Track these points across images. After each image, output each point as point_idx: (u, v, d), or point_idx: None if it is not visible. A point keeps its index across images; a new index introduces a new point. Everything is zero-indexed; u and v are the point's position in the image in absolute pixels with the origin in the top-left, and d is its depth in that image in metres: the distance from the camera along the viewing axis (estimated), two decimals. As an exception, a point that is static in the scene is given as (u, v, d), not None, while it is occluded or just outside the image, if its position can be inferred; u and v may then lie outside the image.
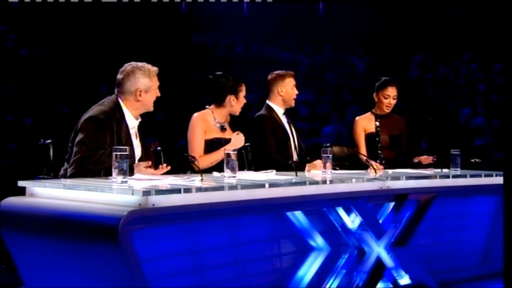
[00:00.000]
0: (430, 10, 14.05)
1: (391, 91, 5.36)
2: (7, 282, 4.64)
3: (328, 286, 3.97)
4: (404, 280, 4.27)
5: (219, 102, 4.61)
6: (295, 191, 3.66)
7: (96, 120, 3.79)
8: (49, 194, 3.33)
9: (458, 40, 13.49)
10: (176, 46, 13.24)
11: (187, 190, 3.15)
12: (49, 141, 4.33)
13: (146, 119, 4.14)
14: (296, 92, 5.02)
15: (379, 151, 5.35)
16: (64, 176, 3.82)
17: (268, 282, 3.74)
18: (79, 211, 3.04)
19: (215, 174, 4.11)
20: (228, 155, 3.84)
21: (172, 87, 11.19)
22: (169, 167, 3.90)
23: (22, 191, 3.43)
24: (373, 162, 4.74)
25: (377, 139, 5.38)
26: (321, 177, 4.19)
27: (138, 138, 4.01)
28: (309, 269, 3.88)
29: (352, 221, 4.01)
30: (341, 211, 3.96)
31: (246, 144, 4.71)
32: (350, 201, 3.94)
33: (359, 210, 3.96)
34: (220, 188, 3.33)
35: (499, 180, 4.63)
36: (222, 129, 4.61)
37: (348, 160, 5.31)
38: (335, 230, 4.00)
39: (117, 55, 10.27)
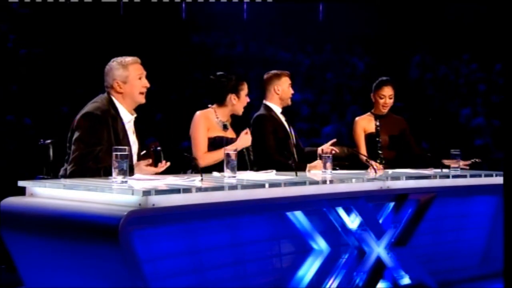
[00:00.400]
0: (430, 10, 14.06)
1: (386, 91, 5.37)
2: (7, 282, 4.64)
3: (328, 286, 3.96)
4: (404, 280, 4.27)
5: (220, 102, 4.62)
6: (295, 191, 3.65)
7: (92, 116, 3.80)
8: (49, 194, 3.33)
9: (458, 40, 13.49)
10: (176, 46, 13.25)
11: (187, 190, 3.15)
12: (49, 141, 4.33)
13: (146, 119, 4.14)
14: (292, 91, 5.05)
15: (379, 151, 5.36)
16: (64, 176, 3.82)
17: (268, 282, 3.74)
18: (79, 211, 3.04)
19: (215, 174, 4.11)
20: (228, 155, 3.84)
21: (172, 87, 11.20)
22: (168, 163, 3.90)
23: (22, 191, 3.42)
24: (373, 162, 4.74)
25: (377, 139, 5.38)
26: (321, 177, 4.19)
27: (134, 134, 4.02)
28: (309, 269, 3.88)
29: (352, 221, 4.00)
30: (341, 211, 3.96)
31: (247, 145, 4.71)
32: (350, 201, 3.94)
33: (359, 210, 3.96)
34: (220, 188, 3.33)
35: (499, 180, 4.63)
36: (225, 128, 4.62)
37: (348, 160, 5.31)
38: (335, 230, 4.00)
39: (117, 55, 10.23)
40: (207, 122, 4.56)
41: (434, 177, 4.50)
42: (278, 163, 4.59)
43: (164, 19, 13.58)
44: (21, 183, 3.42)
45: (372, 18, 14.05)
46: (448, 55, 13.35)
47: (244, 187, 3.43)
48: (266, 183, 3.53)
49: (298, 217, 3.83)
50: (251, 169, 4.60)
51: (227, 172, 3.82)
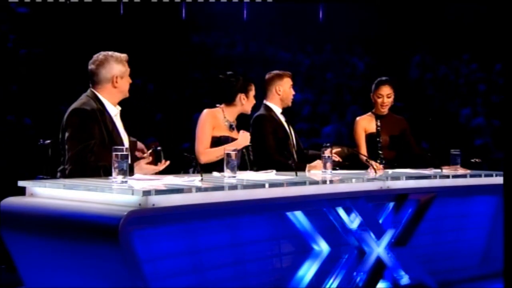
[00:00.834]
0: (430, 10, 14.05)
1: (384, 90, 5.38)
2: (7, 282, 4.64)
3: (328, 286, 3.96)
4: (404, 280, 4.27)
5: (230, 101, 4.64)
6: (295, 191, 3.66)
7: (80, 111, 3.83)
8: (49, 194, 3.33)
9: (458, 40, 13.49)
10: (176, 46, 13.24)
11: (187, 190, 3.15)
12: (48, 141, 4.33)
13: (146, 119, 4.15)
14: (293, 92, 5.04)
15: (379, 151, 5.36)
16: (61, 177, 3.81)
17: (268, 282, 3.74)
18: (79, 211, 3.04)
19: (215, 174, 4.11)
20: (228, 155, 3.84)
21: (172, 87, 11.20)
22: (168, 162, 3.90)
23: (22, 191, 3.43)
24: (373, 162, 4.74)
25: (378, 139, 5.39)
26: (321, 177, 4.19)
27: (122, 127, 4.03)
28: (309, 269, 3.88)
29: (352, 221, 4.00)
30: (341, 211, 3.96)
31: (247, 144, 4.72)
32: (350, 201, 3.94)
33: (359, 210, 3.96)
34: (220, 188, 3.33)
35: (499, 180, 4.63)
36: (231, 128, 4.63)
37: (348, 160, 5.31)
38: (335, 230, 4.00)
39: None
40: (214, 120, 4.57)
41: (434, 177, 4.50)
42: (278, 163, 4.59)
43: (164, 19, 13.58)
44: (21, 183, 3.42)
45: (372, 18, 14.04)
46: (448, 55, 13.34)
47: (244, 187, 3.43)
48: (266, 183, 3.53)
49: (298, 217, 3.83)
50: (251, 169, 4.60)
51: (227, 172, 3.82)
